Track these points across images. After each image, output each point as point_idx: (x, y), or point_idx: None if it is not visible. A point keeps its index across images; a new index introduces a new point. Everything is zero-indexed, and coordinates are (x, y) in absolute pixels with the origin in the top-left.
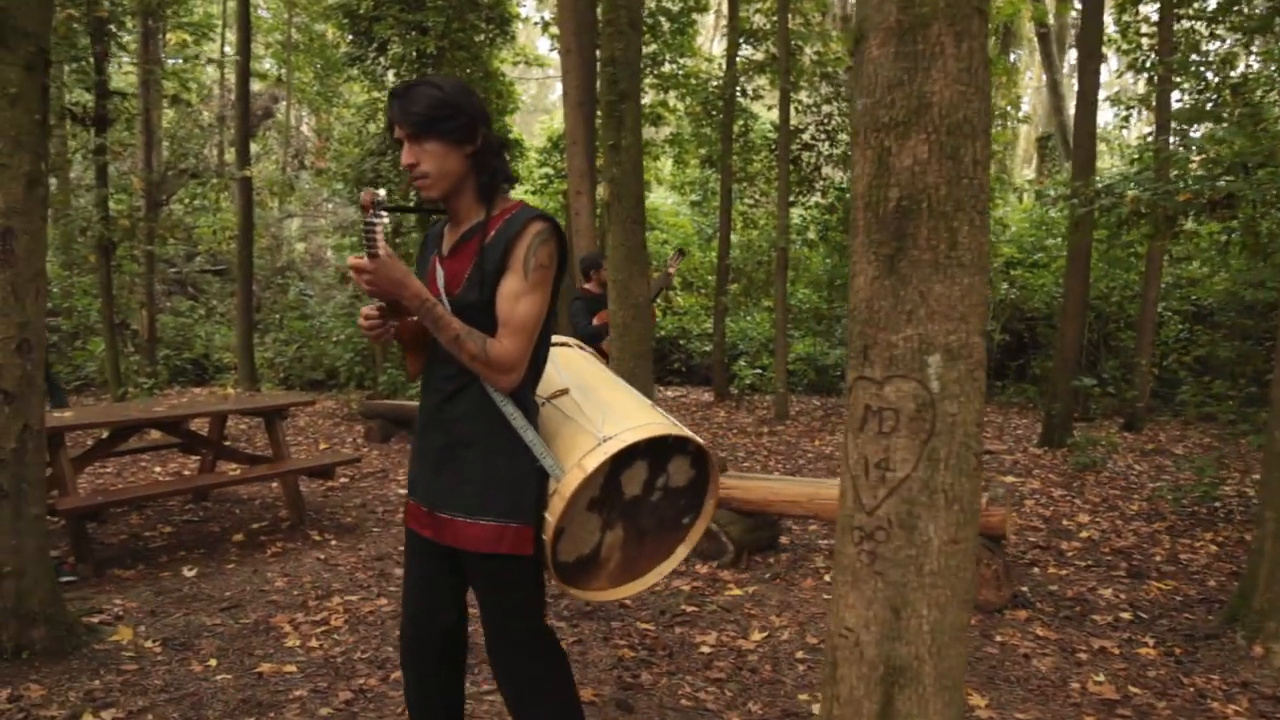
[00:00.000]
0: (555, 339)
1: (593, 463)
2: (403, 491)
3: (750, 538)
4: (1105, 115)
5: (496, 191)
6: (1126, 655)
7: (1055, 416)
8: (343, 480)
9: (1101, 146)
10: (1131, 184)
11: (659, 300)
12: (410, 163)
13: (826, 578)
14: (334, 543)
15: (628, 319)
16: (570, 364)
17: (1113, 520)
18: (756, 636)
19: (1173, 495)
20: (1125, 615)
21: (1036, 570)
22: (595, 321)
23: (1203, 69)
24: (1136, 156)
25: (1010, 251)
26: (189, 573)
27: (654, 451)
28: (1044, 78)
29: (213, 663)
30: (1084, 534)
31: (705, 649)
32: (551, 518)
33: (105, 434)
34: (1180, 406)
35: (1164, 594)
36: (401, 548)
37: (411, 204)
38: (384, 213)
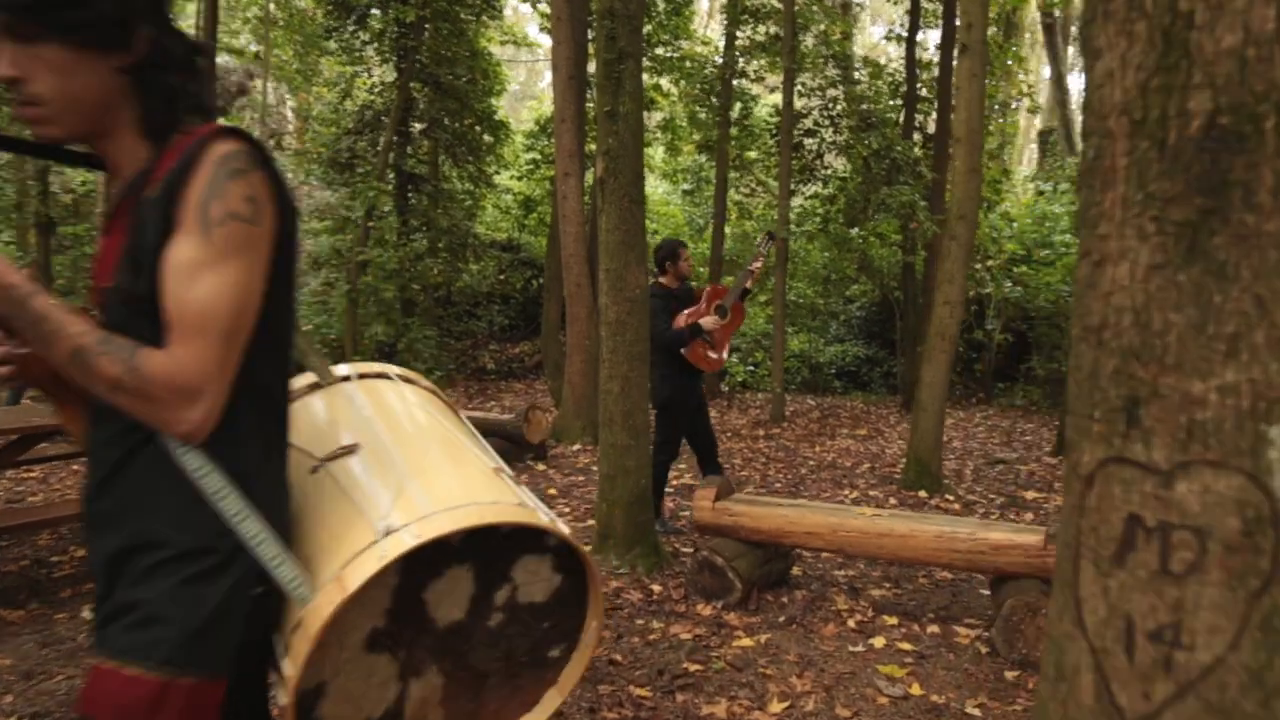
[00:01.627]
0: (367, 367)
1: (357, 576)
2: None
3: (760, 572)
4: None
5: (175, 127)
6: None
7: None
8: None
9: None
10: None
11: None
12: (8, 77)
13: (850, 623)
14: None
15: (622, 314)
16: (374, 405)
17: None
18: (776, 707)
19: None
20: None
21: None
22: (682, 322)
23: None
24: None
25: (1013, 248)
26: (89, 614)
27: (485, 550)
28: (1046, 70)
29: None
30: None
31: None
32: (293, 669)
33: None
34: None
35: None
36: None
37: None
38: None
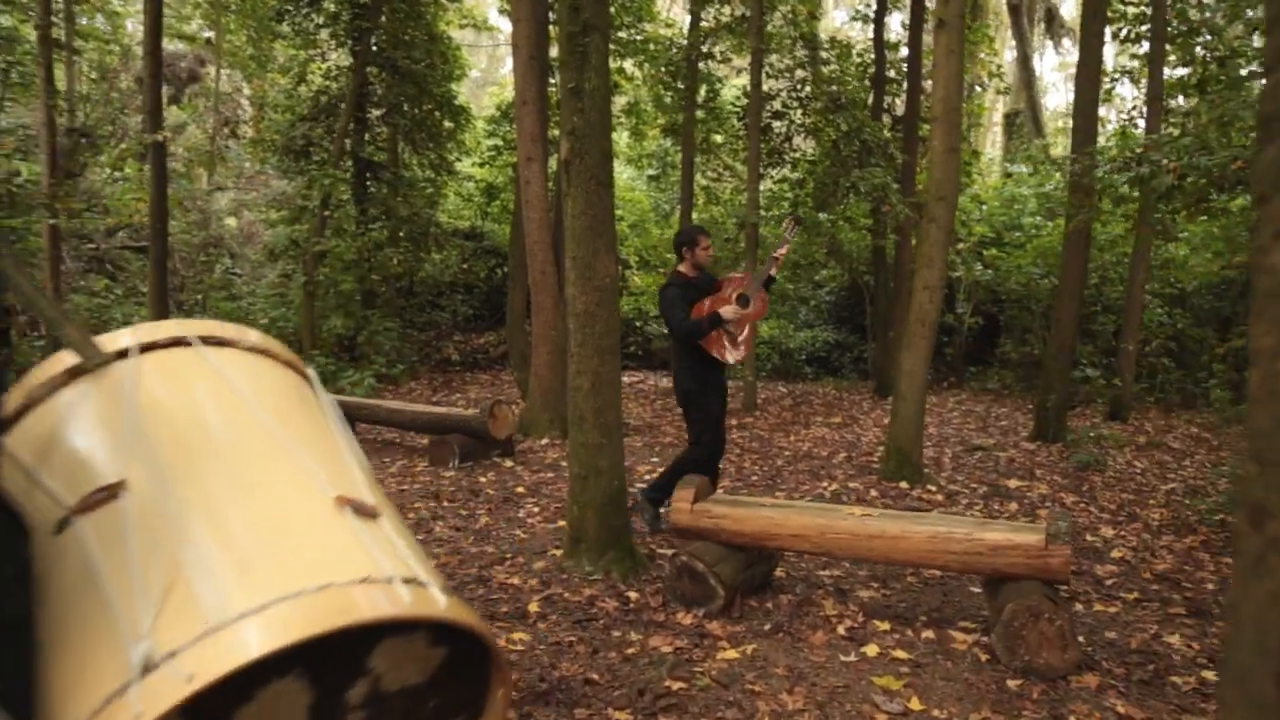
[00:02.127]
0: (155, 331)
1: None
2: None
3: (743, 577)
4: (1065, 94)
5: None
6: None
7: (1050, 409)
8: None
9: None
10: (1172, 151)
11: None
12: None
13: (840, 629)
14: None
15: (591, 305)
16: (156, 400)
17: (1139, 534)
18: None
19: (1206, 506)
20: (1208, 674)
21: (1080, 607)
22: (706, 313)
23: (1193, 40)
24: (1122, 130)
25: (983, 230)
26: None
27: (322, 649)
28: (1012, 52)
29: None
30: (1115, 553)
31: None
32: None
33: None
34: (1163, 392)
35: None
36: None
37: None
38: None
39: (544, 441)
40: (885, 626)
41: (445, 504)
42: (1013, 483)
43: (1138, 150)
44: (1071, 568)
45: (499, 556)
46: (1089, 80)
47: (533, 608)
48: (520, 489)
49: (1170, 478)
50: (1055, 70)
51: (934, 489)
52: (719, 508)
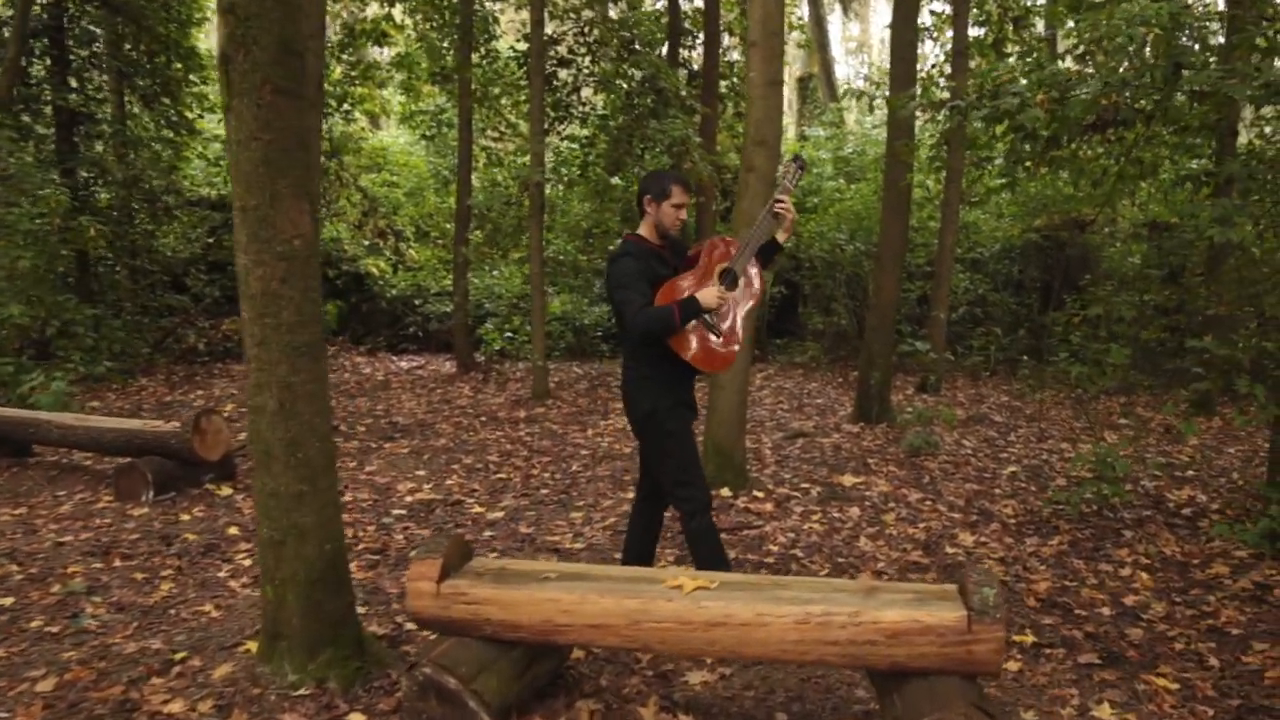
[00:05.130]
0: None
1: None
2: None
3: (520, 687)
4: (849, 68)
5: None
6: None
7: (874, 386)
8: None
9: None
10: (1037, 81)
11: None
12: None
13: None
14: None
15: (272, 281)
16: None
17: (1001, 539)
18: None
19: (1058, 497)
20: None
21: None
22: (673, 295)
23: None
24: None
25: None
26: None
27: None
28: (804, 13)
29: None
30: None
31: None
32: None
33: None
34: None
35: (1176, 700)
36: None
37: None
38: None
39: None
40: None
41: (117, 564)
42: (847, 479)
43: (993, 82)
44: (1003, 656)
45: (166, 657)
46: (905, 21)
47: None
48: (234, 529)
49: (1004, 458)
50: (841, 43)
51: (761, 495)
52: (480, 589)
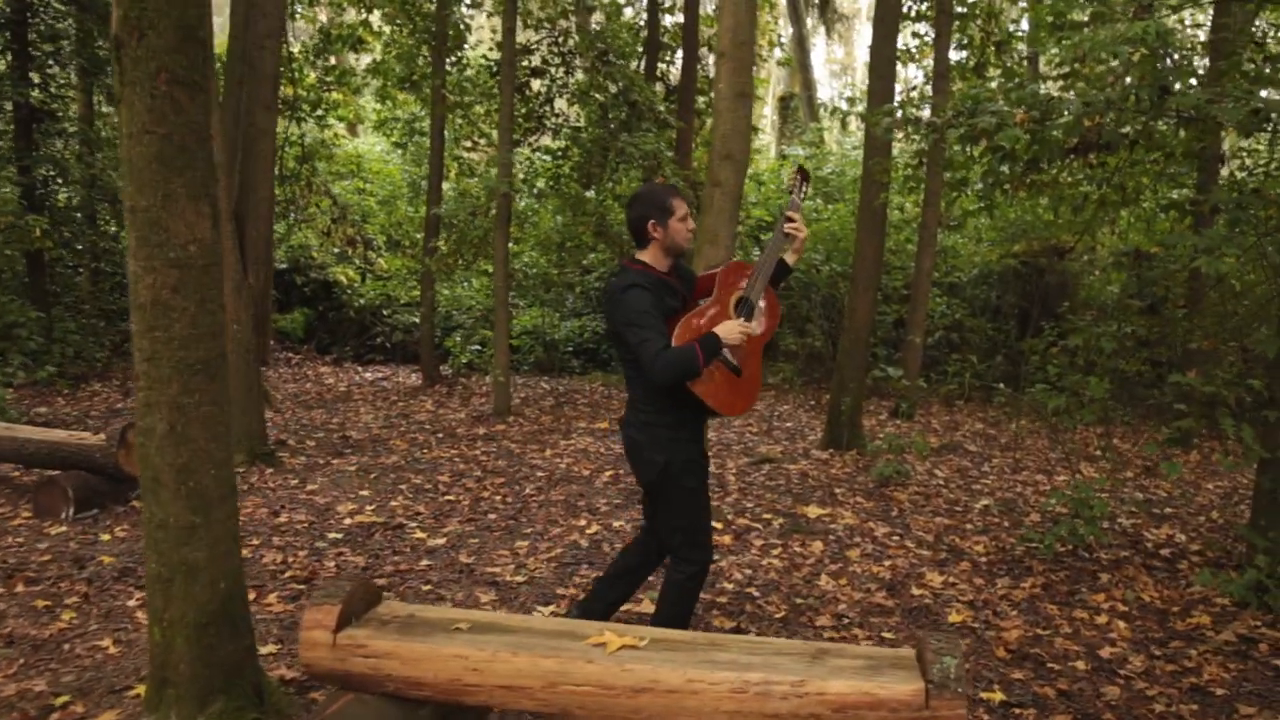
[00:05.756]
0: None
1: None
2: None
3: None
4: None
5: None
6: None
7: (845, 412)
8: None
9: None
10: (1018, 98)
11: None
12: None
13: None
14: None
15: (163, 291)
16: None
17: (970, 579)
18: None
19: (1031, 536)
20: None
21: None
22: (691, 333)
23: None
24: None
25: (761, 214)
26: None
27: None
28: (786, 32)
29: None
30: (954, 615)
31: None
32: None
33: None
34: (955, 385)
35: None
36: None
37: None
38: None
39: None
40: None
41: (20, 589)
42: (812, 510)
43: (972, 101)
44: None
45: (47, 702)
46: (885, 38)
47: None
48: None
49: (977, 490)
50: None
51: (720, 525)
52: (382, 639)
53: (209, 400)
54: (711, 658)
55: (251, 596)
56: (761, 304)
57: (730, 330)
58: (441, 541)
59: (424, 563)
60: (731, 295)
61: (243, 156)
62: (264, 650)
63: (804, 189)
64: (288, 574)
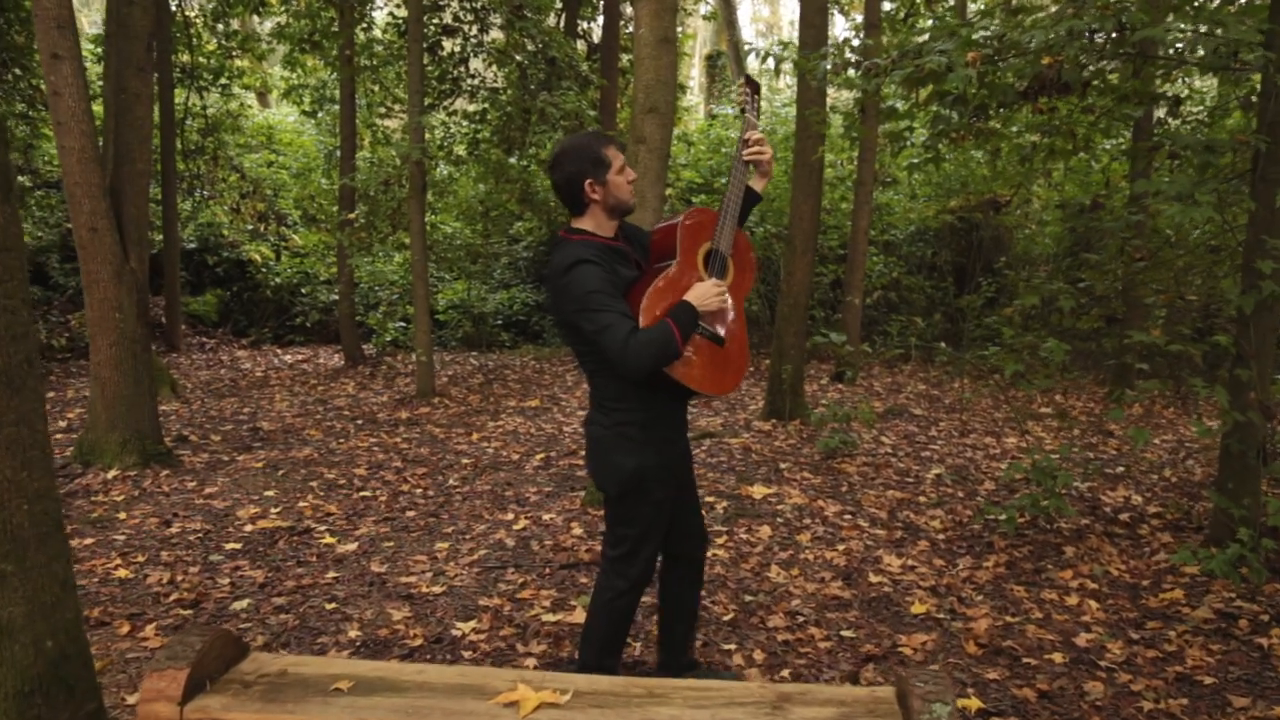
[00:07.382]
0: None
1: None
2: None
3: None
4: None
5: None
6: None
7: (786, 380)
8: None
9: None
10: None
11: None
12: None
13: None
14: None
15: None
16: None
17: (930, 560)
18: None
19: (1003, 515)
20: None
21: None
22: (658, 307)
23: None
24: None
25: (691, 176)
26: None
27: None
28: None
29: None
30: (916, 605)
31: None
32: None
33: None
34: (895, 346)
35: None
36: None
37: None
38: None
39: (112, 474)
40: None
41: None
42: (758, 490)
43: (919, 39)
44: None
45: None
46: None
47: None
48: None
49: (926, 457)
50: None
51: None
52: (242, 708)
53: (17, 419)
54: (649, 715)
55: (125, 630)
56: (742, 240)
57: (706, 294)
58: (352, 547)
59: (330, 574)
60: (698, 249)
61: (116, 125)
62: (131, 700)
63: (756, 103)
64: (173, 596)
